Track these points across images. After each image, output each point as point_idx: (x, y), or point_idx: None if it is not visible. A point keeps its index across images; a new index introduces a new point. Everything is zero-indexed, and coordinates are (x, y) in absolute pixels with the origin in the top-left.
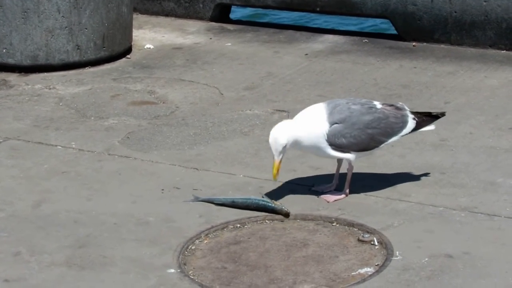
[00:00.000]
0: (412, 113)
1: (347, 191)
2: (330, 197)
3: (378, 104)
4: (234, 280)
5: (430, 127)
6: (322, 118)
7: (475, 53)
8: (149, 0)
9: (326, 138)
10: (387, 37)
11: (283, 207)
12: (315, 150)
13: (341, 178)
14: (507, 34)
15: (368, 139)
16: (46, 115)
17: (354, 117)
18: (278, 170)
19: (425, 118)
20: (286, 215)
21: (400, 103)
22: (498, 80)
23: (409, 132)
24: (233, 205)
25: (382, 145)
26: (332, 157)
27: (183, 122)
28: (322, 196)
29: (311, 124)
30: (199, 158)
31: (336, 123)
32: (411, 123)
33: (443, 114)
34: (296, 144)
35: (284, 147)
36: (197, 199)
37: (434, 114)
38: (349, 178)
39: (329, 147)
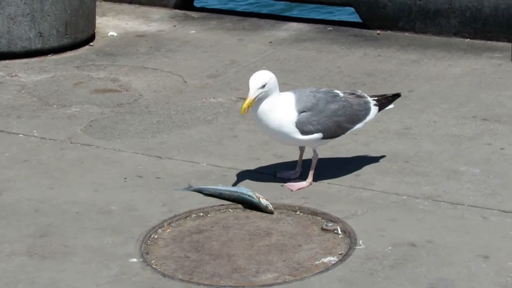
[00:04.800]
0: (372, 98)
1: (311, 179)
2: (294, 186)
3: (340, 93)
4: (197, 270)
5: (390, 106)
6: (290, 106)
7: (439, 41)
8: None
9: (295, 125)
10: (352, 25)
11: (268, 205)
12: (283, 137)
13: (305, 166)
14: (471, 23)
15: (335, 127)
16: (8, 103)
17: (320, 104)
18: (249, 107)
19: (383, 100)
20: (270, 212)
21: (360, 91)
22: (462, 68)
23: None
24: (220, 196)
25: (348, 132)
26: (300, 142)
27: (146, 110)
28: (286, 184)
29: (280, 112)
30: (162, 147)
31: (304, 111)
32: (374, 109)
33: (398, 95)
34: (266, 119)
35: (264, 86)
36: (189, 188)
37: (391, 96)
38: (314, 166)
39: (297, 132)
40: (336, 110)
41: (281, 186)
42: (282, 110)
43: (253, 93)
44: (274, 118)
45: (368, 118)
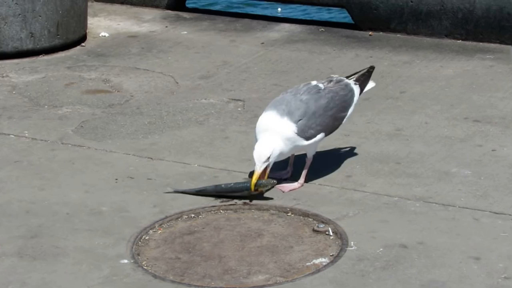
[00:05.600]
0: (349, 78)
1: (303, 181)
2: (286, 187)
3: (319, 84)
4: (188, 271)
5: (372, 85)
6: (285, 121)
7: (431, 42)
8: None
9: (298, 136)
10: (344, 26)
11: (264, 183)
12: (295, 149)
13: (296, 165)
14: (462, 24)
15: (332, 121)
16: None
17: (311, 106)
18: (257, 180)
19: (361, 78)
20: (273, 185)
21: (335, 75)
22: (453, 69)
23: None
24: (216, 189)
25: (344, 120)
26: (309, 145)
27: (138, 111)
28: (278, 186)
29: (279, 132)
30: (153, 148)
31: (300, 120)
32: (356, 89)
33: (372, 68)
34: (280, 156)
35: (268, 158)
36: (177, 190)
37: (366, 71)
38: (307, 168)
39: (304, 140)
40: (327, 105)
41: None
42: (281, 131)
43: (259, 167)
44: (284, 143)
45: (355, 99)
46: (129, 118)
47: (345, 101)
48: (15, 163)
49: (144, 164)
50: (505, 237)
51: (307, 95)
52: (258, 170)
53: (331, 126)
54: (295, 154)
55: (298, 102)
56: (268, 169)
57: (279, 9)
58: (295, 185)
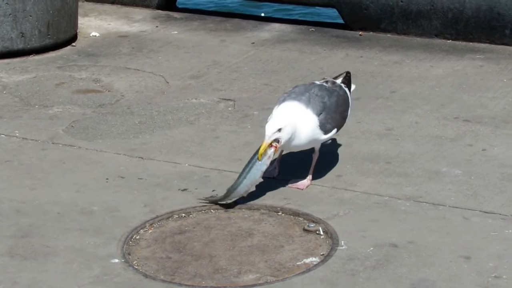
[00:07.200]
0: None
1: (311, 177)
2: (301, 185)
3: (324, 83)
4: (179, 270)
5: (353, 87)
6: (309, 113)
7: (421, 42)
8: None
9: (319, 129)
10: (334, 26)
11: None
12: (312, 143)
13: (284, 163)
14: (452, 24)
15: (340, 118)
16: None
17: (327, 102)
18: (264, 151)
19: (345, 81)
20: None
21: (328, 77)
22: (443, 69)
23: None
24: (235, 184)
25: (346, 120)
26: (323, 140)
27: (128, 110)
28: (292, 185)
29: (303, 122)
30: (144, 147)
31: (321, 113)
32: (347, 90)
33: (349, 73)
34: (293, 139)
35: (280, 130)
36: (213, 200)
37: (345, 74)
38: (314, 164)
39: (323, 134)
40: (336, 102)
41: (287, 186)
42: (305, 120)
43: (268, 138)
44: (307, 134)
45: (349, 100)
46: (120, 117)
47: (346, 101)
48: (5, 163)
49: (135, 163)
50: (495, 236)
51: (319, 91)
52: (267, 140)
53: (340, 123)
54: (286, 152)
55: (315, 96)
56: (279, 145)
57: (262, 14)
58: (308, 182)
